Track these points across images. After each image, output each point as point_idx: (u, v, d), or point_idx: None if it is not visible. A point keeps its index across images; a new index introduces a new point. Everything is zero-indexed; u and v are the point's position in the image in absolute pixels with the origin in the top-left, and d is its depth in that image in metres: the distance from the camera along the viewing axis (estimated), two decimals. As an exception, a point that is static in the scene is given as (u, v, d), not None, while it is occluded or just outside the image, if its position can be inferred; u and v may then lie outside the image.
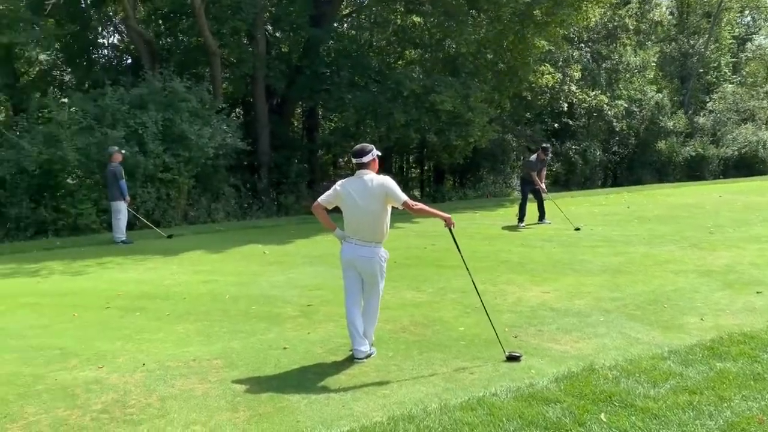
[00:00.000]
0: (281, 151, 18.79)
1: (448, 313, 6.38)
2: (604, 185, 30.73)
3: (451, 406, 4.05)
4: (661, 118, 31.55)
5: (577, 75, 25.63)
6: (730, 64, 39.22)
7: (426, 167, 28.64)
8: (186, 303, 7.04)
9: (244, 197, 16.71)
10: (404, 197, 4.87)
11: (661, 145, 31.78)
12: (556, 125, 29.05)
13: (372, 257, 4.96)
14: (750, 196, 16.75)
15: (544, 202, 13.00)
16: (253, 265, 9.28)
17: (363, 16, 21.98)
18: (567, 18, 17.93)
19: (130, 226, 12.47)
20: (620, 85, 30.62)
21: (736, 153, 33.05)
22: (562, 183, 29.15)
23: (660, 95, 31.49)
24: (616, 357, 4.89)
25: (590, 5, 18.75)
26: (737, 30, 40.75)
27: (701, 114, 34.60)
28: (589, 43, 28.96)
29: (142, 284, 8.08)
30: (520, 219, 12.71)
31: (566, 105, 28.07)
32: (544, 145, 13.37)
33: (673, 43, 35.97)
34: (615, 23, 26.98)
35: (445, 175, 27.47)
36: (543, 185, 12.79)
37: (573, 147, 29.23)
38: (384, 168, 24.01)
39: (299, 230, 13.01)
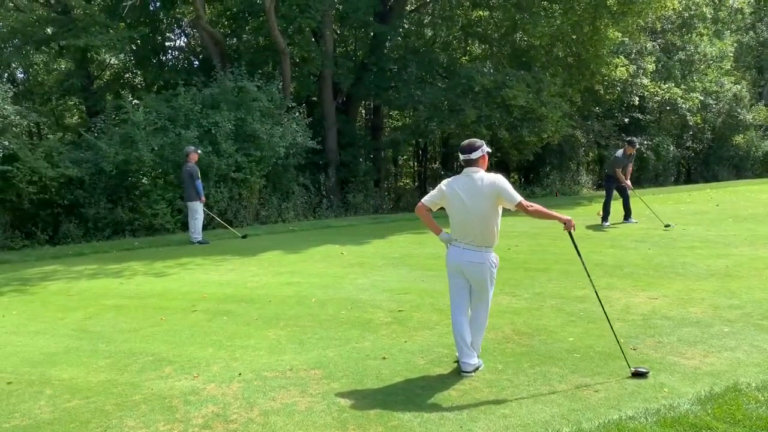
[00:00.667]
0: (348, 150, 18.62)
1: (551, 321, 5.94)
2: (677, 182, 29.48)
3: (586, 430, 3.64)
4: (739, 110, 29.92)
5: (651, 67, 24.53)
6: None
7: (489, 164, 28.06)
8: (273, 306, 6.83)
9: (314, 196, 16.58)
10: (519, 197, 4.47)
11: (739, 139, 30.22)
12: (626, 120, 27.91)
13: (482, 263, 4.58)
14: None
15: (630, 199, 12.34)
16: (334, 266, 9.04)
17: (429, 12, 21.58)
18: (646, 7, 17.06)
19: (204, 226, 12.48)
20: (695, 77, 29.16)
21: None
22: (633, 179, 27.99)
23: (738, 87, 29.87)
24: (759, 375, 4.36)
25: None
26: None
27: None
28: (662, 34, 27.72)
29: (225, 286, 7.95)
30: (604, 218, 12.10)
31: (637, 99, 26.94)
32: (630, 138, 12.71)
33: (750, 32, 34.12)
34: (691, 12, 25.69)
35: (510, 173, 26.81)
36: (629, 182, 12.14)
37: (644, 142, 28.03)
38: (447, 167, 23.64)
39: (373, 230, 12.75)
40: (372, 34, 18.62)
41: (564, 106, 17.89)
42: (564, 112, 17.87)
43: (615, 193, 12.28)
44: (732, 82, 30.04)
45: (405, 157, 28.20)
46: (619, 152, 12.27)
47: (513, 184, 22.14)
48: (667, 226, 11.15)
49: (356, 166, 18.13)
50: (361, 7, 17.69)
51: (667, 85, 26.87)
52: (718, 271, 7.75)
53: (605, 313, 4.94)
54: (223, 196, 13.96)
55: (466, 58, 22.16)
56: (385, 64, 18.16)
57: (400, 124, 21.93)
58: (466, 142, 4.65)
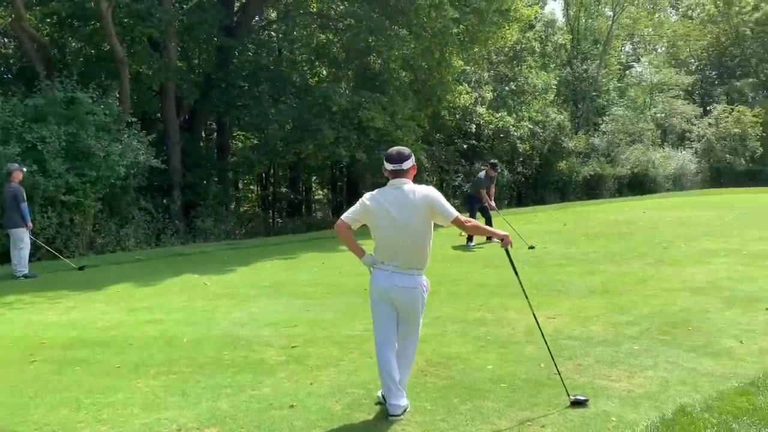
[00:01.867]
0: (194, 171, 17.23)
1: (461, 348, 5.51)
2: (509, 205, 31.23)
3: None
4: (562, 138, 32.67)
5: (489, 96, 25.92)
6: (617, 89, 41.54)
7: (339, 187, 27.74)
8: (136, 350, 5.69)
9: (157, 221, 15.00)
10: (455, 212, 3.99)
11: (562, 165, 32.88)
12: (465, 146, 29.21)
13: (414, 287, 4.01)
14: (672, 212, 17.24)
15: (492, 219, 12.53)
16: (198, 299, 7.95)
17: (275, 30, 20.95)
18: (491, 36, 17.86)
19: (29, 257, 10.60)
20: (524, 108, 31.36)
21: (629, 172, 34.82)
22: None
23: (561, 117, 32.64)
24: (692, 395, 4.23)
25: (510, 25, 18.84)
26: (622, 57, 43.44)
27: (595, 135, 36.25)
28: (495, 65, 29.53)
29: (68, 328, 6.57)
30: (469, 239, 12.14)
31: (474, 126, 28.34)
32: (492, 161, 12.98)
33: (568, 68, 37.64)
34: (522, 45, 27.67)
35: (359, 197, 26.75)
36: (492, 202, 12.35)
37: (482, 168, 29.49)
38: (296, 190, 22.90)
39: (234, 257, 11.70)
40: (218, 47, 17.52)
41: (417, 129, 18.08)
42: (417, 135, 18.07)
43: (478, 213, 12.40)
44: (556, 113, 32.77)
45: (246, 180, 26.94)
46: (482, 174, 12.48)
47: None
48: (531, 247, 11.41)
49: (204, 189, 16.80)
50: (207, 19, 16.57)
51: (500, 114, 28.57)
52: (596, 288, 7.88)
53: (543, 337, 4.60)
54: (51, 222, 12.07)
55: (316, 79, 21.77)
56: (234, 80, 17.14)
57: (249, 144, 20.84)
58: (394, 150, 4.09)
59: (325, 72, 22.07)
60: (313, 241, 14.53)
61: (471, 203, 12.61)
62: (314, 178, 28.58)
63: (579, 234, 13.31)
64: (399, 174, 4.01)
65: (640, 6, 41.19)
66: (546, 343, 4.58)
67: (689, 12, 48.88)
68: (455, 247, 12.04)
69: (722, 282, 7.93)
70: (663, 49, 45.25)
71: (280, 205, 24.95)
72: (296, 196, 24.86)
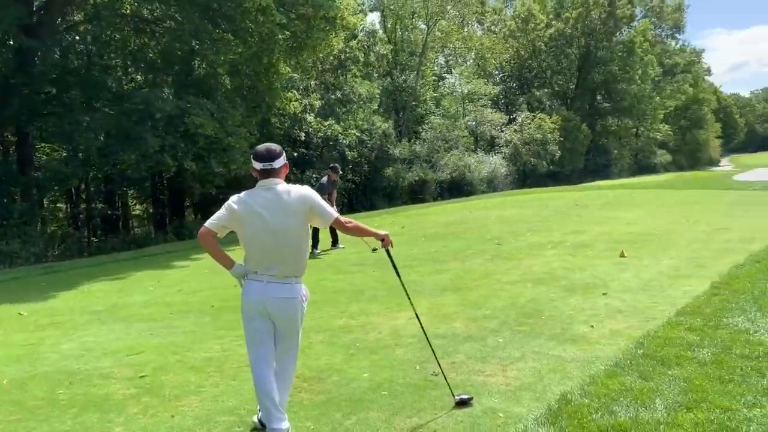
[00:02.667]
0: (-8, 188, 15.06)
1: (332, 359, 5.25)
2: (342, 212, 31.44)
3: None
4: (388, 146, 33.71)
5: (318, 104, 25.91)
6: (433, 99, 43.83)
7: (161, 200, 25.88)
8: (-62, 403, 4.65)
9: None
10: (335, 213, 3.72)
11: (389, 171, 33.89)
12: (295, 154, 28.96)
13: (293, 297, 3.68)
14: (494, 211, 18.35)
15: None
16: (15, 332, 6.82)
17: (84, 32, 19.05)
18: (319, 44, 17.80)
19: None
20: (350, 116, 31.86)
21: (449, 177, 36.81)
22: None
23: (386, 125, 33.65)
24: (566, 382, 4.35)
25: (337, 32, 18.93)
26: (436, 69, 45.93)
27: (416, 143, 37.87)
28: (321, 74, 29.65)
29: None
30: (315, 246, 11.89)
31: (303, 134, 28.21)
32: (333, 164, 12.81)
33: (389, 78, 38.96)
34: (346, 54, 28.06)
35: (188, 209, 25.25)
36: (335, 208, 12.16)
37: (314, 176, 29.50)
38: (113, 206, 21.04)
39: (54, 281, 10.32)
40: (17, 49, 15.50)
41: (250, 136, 17.46)
42: (251, 143, 17.45)
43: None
44: (381, 121, 33.70)
45: (53, 196, 24.16)
46: (324, 179, 12.30)
47: (193, 222, 20.65)
48: (374, 250, 11.41)
49: (6, 207, 14.71)
50: (2, 17, 14.57)
51: (328, 122, 28.74)
52: (447, 286, 8.03)
53: (428, 339, 4.48)
54: None
55: (132, 85, 20.17)
56: (38, 85, 15.24)
57: (58, 155, 18.68)
58: (263, 147, 3.71)
59: (140, 77, 20.54)
60: (142, 259, 13.36)
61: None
62: (131, 191, 26.45)
63: (418, 236, 13.63)
64: (270, 173, 3.65)
65: (450, 20, 43.88)
66: (430, 344, 4.51)
67: (493, 27, 53.22)
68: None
69: (557, 272, 8.48)
70: (472, 61, 48.58)
71: (95, 223, 22.71)
72: (113, 211, 22.82)
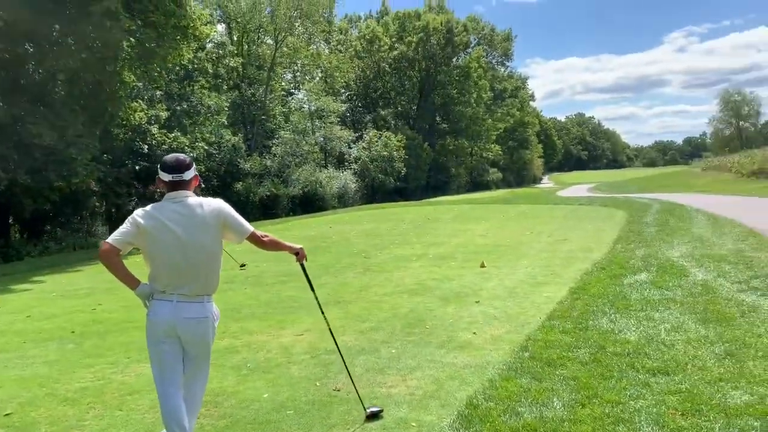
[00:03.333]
0: None
1: (224, 381, 5.03)
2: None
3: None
4: (238, 160, 32.93)
5: (164, 115, 24.70)
6: (283, 114, 43.64)
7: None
8: None
9: None
10: (250, 226, 3.60)
11: (239, 186, 33.12)
12: (137, 168, 27.38)
13: (206, 317, 3.49)
14: (353, 225, 18.62)
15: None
16: None
17: None
18: (170, 53, 17.01)
19: None
20: (197, 129, 30.78)
21: (300, 192, 36.74)
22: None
23: (236, 138, 32.88)
24: (465, 388, 4.54)
25: (189, 42, 18.22)
26: (285, 84, 45.78)
27: (267, 157, 37.41)
28: (167, 84, 28.34)
29: None
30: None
31: (146, 147, 26.76)
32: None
33: (237, 91, 38.17)
34: (194, 65, 27.07)
35: (12, 226, 22.69)
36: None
37: (158, 190, 27.99)
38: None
39: None
40: None
41: (93, 148, 16.17)
42: (94, 155, 16.16)
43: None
44: (230, 134, 32.87)
45: None
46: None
47: (20, 242, 18.54)
48: (242, 266, 11.12)
49: None
50: None
51: (174, 135, 27.51)
52: (327, 300, 7.99)
53: (341, 354, 4.45)
54: None
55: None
56: None
57: None
58: (171, 157, 3.49)
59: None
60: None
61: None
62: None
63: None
64: (179, 185, 3.44)
65: (298, 37, 43.99)
66: (343, 360, 4.48)
67: (339, 47, 54.18)
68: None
69: (428, 283, 8.81)
70: (319, 78, 49.04)
71: None
72: None
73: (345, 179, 40.87)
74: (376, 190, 44.90)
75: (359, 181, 42.99)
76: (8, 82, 16.95)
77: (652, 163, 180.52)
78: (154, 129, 26.01)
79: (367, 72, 53.68)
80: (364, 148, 45.14)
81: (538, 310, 6.76)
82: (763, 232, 11.20)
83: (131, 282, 3.39)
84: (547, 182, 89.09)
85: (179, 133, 27.80)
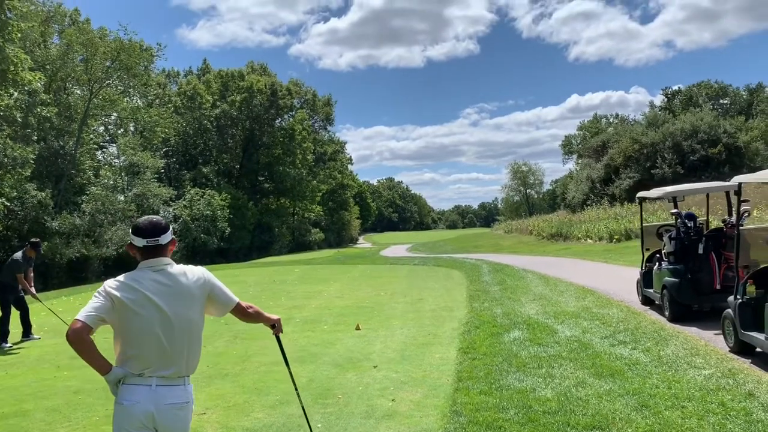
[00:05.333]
0: None
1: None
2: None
3: None
4: (45, 218, 29.65)
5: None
6: (93, 168, 40.32)
7: None
8: None
9: None
10: (235, 297, 3.27)
11: (44, 247, 29.67)
12: None
13: (187, 402, 3.06)
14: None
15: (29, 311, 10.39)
16: None
17: None
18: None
19: None
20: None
21: (114, 253, 33.94)
22: None
23: (43, 194, 29.64)
24: None
25: (8, 88, 16.32)
26: (97, 137, 42.55)
27: (76, 215, 34.14)
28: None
29: None
30: (3, 338, 9.71)
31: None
32: (34, 240, 10.70)
33: (43, 142, 34.66)
34: (1, 112, 24.11)
35: None
36: (33, 289, 10.20)
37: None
38: None
39: None
40: None
41: None
42: None
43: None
44: (36, 189, 29.54)
45: None
46: (18, 254, 10.20)
47: None
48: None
49: None
50: None
51: (-33, 188, 24.17)
52: (210, 373, 7.42)
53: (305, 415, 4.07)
54: None
55: None
56: None
57: None
58: (145, 220, 3.07)
59: None
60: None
61: (4, 294, 10.10)
62: None
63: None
64: (156, 252, 3.03)
65: (114, 89, 41.41)
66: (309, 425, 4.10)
67: (157, 101, 51.94)
68: (-18, 353, 9.43)
69: (311, 349, 8.54)
70: (137, 133, 46.39)
71: None
72: None
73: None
74: (197, 251, 42.93)
75: (180, 241, 40.83)
76: None
77: (453, 225, 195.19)
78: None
79: (188, 128, 51.99)
80: (185, 206, 43.19)
81: (440, 372, 6.85)
82: (594, 289, 12.56)
83: (102, 365, 2.88)
84: (363, 242, 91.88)
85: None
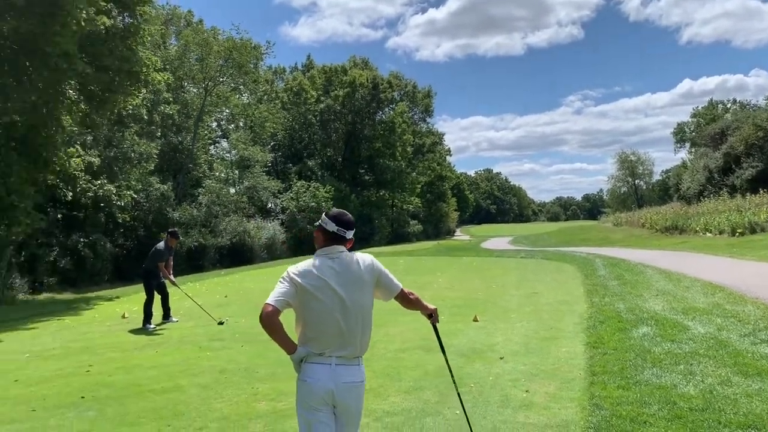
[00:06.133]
0: None
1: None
2: (111, 281, 28.61)
3: None
4: (167, 209, 31.67)
5: (97, 161, 23.47)
6: (208, 162, 42.61)
7: None
8: None
9: None
10: (400, 283, 3.45)
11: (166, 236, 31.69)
12: (59, 216, 25.80)
13: (362, 381, 3.29)
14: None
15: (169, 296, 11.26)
16: None
17: None
18: (120, 99, 16.34)
19: None
20: (124, 175, 29.43)
21: (228, 242, 35.67)
22: (71, 281, 25.85)
23: (165, 187, 31.67)
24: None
25: (140, 89, 17.59)
26: (211, 133, 44.90)
27: (194, 206, 36.20)
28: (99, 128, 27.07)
29: None
30: (147, 320, 10.57)
31: (71, 194, 25.25)
32: (172, 229, 11.63)
33: (164, 138, 36.98)
34: (129, 111, 26.00)
35: None
36: (172, 277, 11.05)
37: (81, 240, 26.50)
38: None
39: None
40: None
41: (35, 195, 15.05)
42: (37, 202, 15.03)
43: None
44: (159, 182, 31.61)
45: None
46: (161, 245, 11.11)
47: None
48: (221, 322, 10.55)
49: None
50: None
51: (100, 182, 26.18)
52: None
53: (467, 418, 4.22)
54: None
55: None
56: None
57: None
58: (340, 211, 3.34)
59: None
60: None
61: (148, 280, 11.03)
62: None
63: (251, 304, 12.85)
64: (339, 241, 3.25)
65: (226, 86, 43.48)
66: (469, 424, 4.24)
67: (265, 97, 54.02)
68: (132, 331, 10.31)
69: (433, 337, 8.63)
70: (247, 128, 48.51)
71: None
72: None
73: (273, 229, 40.14)
74: (304, 242, 44.31)
75: (287, 231, 42.36)
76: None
77: (555, 218, 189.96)
78: (82, 176, 24.61)
79: (293, 123, 53.71)
80: (291, 198, 44.71)
81: (570, 365, 6.79)
82: (723, 285, 11.90)
83: (289, 345, 3.14)
84: (460, 234, 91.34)
85: (105, 180, 26.45)
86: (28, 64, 14.25)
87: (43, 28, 13.35)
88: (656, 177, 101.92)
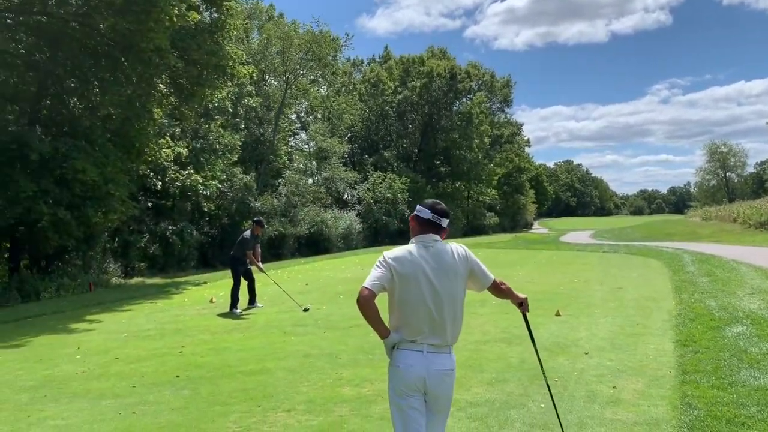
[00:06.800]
0: None
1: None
2: (197, 267, 29.82)
3: None
4: (250, 199, 32.71)
5: (185, 152, 24.52)
6: (288, 153, 43.61)
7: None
8: None
9: None
10: (492, 274, 3.45)
11: (248, 225, 32.70)
12: (149, 204, 27.10)
13: (452, 369, 3.32)
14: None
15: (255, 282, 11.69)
16: None
17: None
18: (209, 92, 16.98)
19: None
20: (209, 166, 30.56)
21: (307, 231, 36.46)
22: (160, 266, 27.17)
23: (248, 177, 32.71)
24: None
25: (227, 82, 18.21)
26: (290, 125, 45.94)
27: (274, 196, 37.18)
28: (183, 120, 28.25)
29: None
30: (234, 305, 11.00)
31: (160, 183, 26.48)
32: (257, 218, 12.06)
33: (247, 130, 38.15)
34: (215, 104, 27.03)
35: (22, 264, 22.07)
36: (260, 263, 11.44)
37: (170, 227, 27.75)
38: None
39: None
40: None
41: (130, 184, 15.90)
42: (131, 191, 15.89)
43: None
44: (242, 173, 32.69)
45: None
46: (247, 233, 11.52)
47: (30, 276, 17.68)
48: (305, 309, 10.84)
49: None
50: None
51: (187, 172, 27.29)
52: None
53: (556, 409, 4.20)
54: None
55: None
56: None
57: None
58: (434, 201, 3.37)
59: (11, 116, 17.95)
60: (24, 322, 11.32)
61: (235, 266, 11.49)
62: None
63: (331, 293, 13.15)
64: (432, 229, 3.29)
65: (305, 78, 44.34)
66: (558, 416, 4.22)
67: (343, 89, 54.70)
68: (221, 315, 10.77)
69: (514, 331, 8.62)
70: (325, 120, 49.33)
71: None
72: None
73: (349, 220, 40.68)
74: (379, 232, 44.72)
75: (363, 222, 42.83)
76: (51, 116, 16.72)
77: (639, 212, 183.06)
78: (171, 165, 25.78)
79: (370, 115, 54.12)
80: (368, 189, 45.16)
81: (659, 363, 6.58)
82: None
83: (383, 330, 3.22)
84: (538, 227, 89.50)
85: (192, 171, 27.59)
86: (123, 59, 15.01)
87: (138, 25, 14.05)
88: (749, 169, 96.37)
